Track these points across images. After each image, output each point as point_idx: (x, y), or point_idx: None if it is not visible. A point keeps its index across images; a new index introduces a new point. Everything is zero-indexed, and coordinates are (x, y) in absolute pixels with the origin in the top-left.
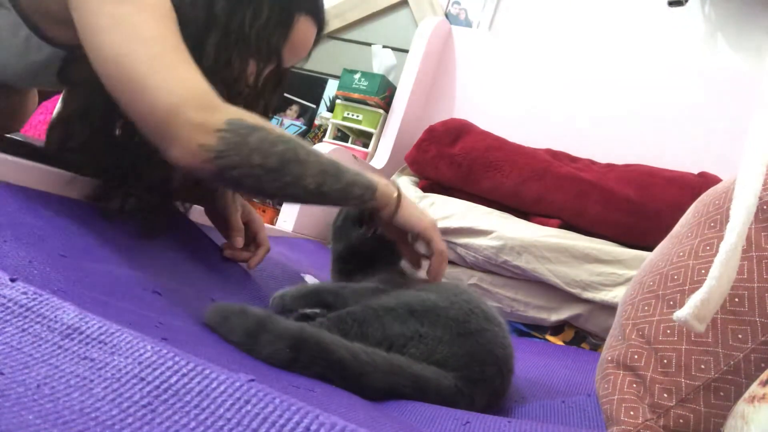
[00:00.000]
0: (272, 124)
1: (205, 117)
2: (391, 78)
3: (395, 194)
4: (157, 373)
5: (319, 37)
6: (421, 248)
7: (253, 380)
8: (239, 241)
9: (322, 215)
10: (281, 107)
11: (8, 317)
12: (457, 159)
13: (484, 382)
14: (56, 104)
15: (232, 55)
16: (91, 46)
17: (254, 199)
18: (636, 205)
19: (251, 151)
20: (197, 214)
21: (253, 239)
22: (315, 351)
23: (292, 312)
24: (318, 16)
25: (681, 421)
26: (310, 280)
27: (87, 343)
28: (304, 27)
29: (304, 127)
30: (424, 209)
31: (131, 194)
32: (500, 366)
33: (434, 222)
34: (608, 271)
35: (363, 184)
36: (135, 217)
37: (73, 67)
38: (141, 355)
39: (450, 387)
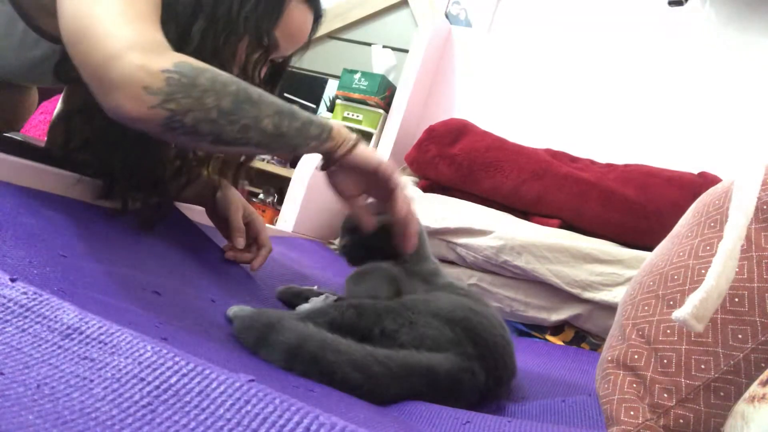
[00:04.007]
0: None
1: (149, 58)
2: (391, 78)
3: (353, 136)
4: (157, 373)
5: (317, 24)
6: (378, 193)
7: (253, 380)
8: (240, 242)
9: (322, 215)
10: None
11: (8, 317)
12: (457, 159)
13: (478, 358)
14: (56, 104)
15: (219, 42)
16: (59, 13)
17: (215, 152)
18: (636, 205)
19: (203, 93)
20: (198, 215)
21: (254, 240)
22: (310, 367)
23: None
24: (312, 1)
25: (681, 421)
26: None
27: (87, 343)
28: (297, 12)
29: None
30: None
31: (133, 192)
32: (490, 347)
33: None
34: (608, 271)
35: (319, 123)
36: (136, 215)
37: (69, 63)
38: (141, 355)
39: (454, 367)
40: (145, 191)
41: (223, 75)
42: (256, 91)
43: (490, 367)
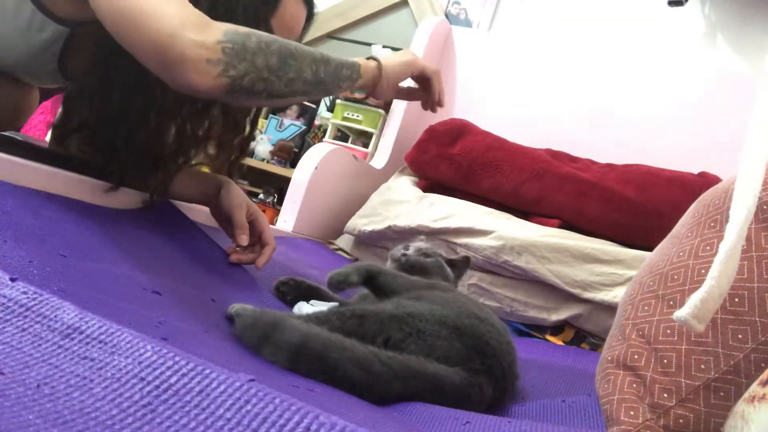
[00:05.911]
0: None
1: (203, 32)
2: None
3: (376, 67)
4: (157, 373)
5: (309, 23)
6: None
7: (253, 380)
8: (244, 239)
9: (322, 215)
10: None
11: (8, 317)
12: (457, 159)
13: (486, 372)
14: (56, 104)
15: None
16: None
17: (268, 106)
18: (636, 205)
19: (254, 55)
20: (200, 215)
21: (258, 238)
22: (314, 365)
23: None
24: None
25: (681, 421)
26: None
27: (87, 343)
28: (292, 4)
29: (304, 127)
30: (404, 55)
31: (128, 163)
32: (498, 357)
33: (413, 57)
34: (608, 271)
35: (348, 63)
36: (134, 185)
37: (73, 52)
38: (141, 355)
39: (463, 381)
40: (145, 167)
41: (264, 35)
42: (292, 44)
43: (497, 379)
